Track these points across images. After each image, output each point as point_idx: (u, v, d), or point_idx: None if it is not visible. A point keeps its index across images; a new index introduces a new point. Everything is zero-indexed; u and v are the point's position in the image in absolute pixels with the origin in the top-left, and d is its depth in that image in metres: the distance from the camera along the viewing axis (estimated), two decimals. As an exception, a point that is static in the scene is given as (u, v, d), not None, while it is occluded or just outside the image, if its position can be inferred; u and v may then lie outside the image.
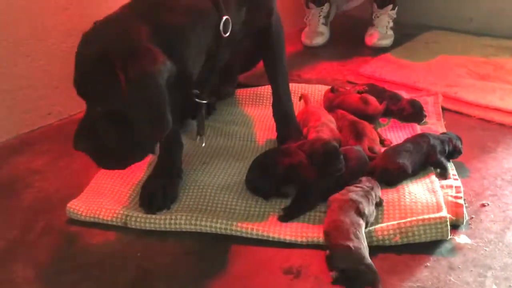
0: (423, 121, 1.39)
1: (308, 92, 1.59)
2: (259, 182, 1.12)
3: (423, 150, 1.16)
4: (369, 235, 0.97)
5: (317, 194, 1.08)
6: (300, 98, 1.50)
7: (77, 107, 1.63)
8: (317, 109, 1.38)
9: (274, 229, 1.01)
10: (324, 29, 2.22)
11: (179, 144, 1.19)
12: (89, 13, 1.59)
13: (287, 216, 1.05)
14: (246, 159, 1.26)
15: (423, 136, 1.20)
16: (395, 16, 2.16)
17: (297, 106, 1.43)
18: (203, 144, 1.21)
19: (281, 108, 1.31)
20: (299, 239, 0.99)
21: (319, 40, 2.19)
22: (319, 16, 2.21)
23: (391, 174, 1.12)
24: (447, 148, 1.18)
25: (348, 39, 2.22)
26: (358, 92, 1.47)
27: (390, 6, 2.12)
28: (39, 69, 1.52)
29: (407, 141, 1.20)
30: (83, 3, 1.57)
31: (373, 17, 2.15)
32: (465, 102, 1.55)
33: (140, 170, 1.21)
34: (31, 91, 1.52)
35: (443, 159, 1.17)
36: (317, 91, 1.61)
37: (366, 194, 1.01)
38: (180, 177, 1.16)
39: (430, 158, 1.17)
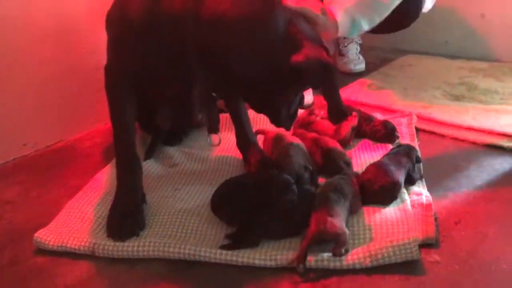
0: (396, 142, 1.40)
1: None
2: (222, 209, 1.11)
3: (402, 165, 1.17)
4: (339, 260, 0.95)
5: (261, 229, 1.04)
6: (256, 134, 1.43)
7: (54, 137, 1.64)
8: (280, 132, 1.36)
9: (243, 253, 0.99)
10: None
11: (140, 168, 1.17)
12: (65, 43, 1.61)
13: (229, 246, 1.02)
14: (219, 183, 1.25)
15: (395, 154, 1.22)
16: (360, 41, 2.20)
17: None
18: (219, 143, 1.15)
19: (247, 138, 1.32)
20: (268, 263, 0.97)
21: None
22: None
23: (387, 191, 1.11)
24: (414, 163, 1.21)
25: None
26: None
27: (357, 37, 2.17)
28: (13, 100, 1.52)
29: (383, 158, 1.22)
30: (59, 34, 1.59)
31: (340, 47, 2.19)
32: (439, 122, 1.56)
33: (108, 197, 1.19)
34: (6, 122, 1.51)
35: (417, 176, 1.21)
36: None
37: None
38: (144, 201, 1.15)
39: (409, 178, 1.18)
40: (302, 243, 0.98)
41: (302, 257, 0.95)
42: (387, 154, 1.24)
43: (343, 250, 0.96)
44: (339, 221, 0.99)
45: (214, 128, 1.12)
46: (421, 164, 1.27)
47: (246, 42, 0.92)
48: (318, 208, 1.02)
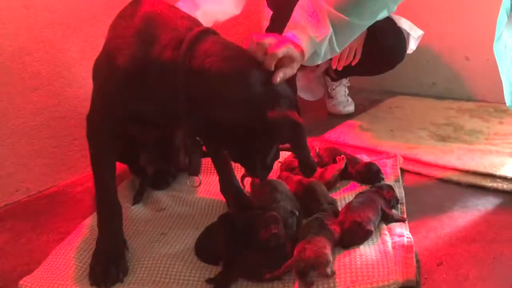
0: (380, 184, 1.42)
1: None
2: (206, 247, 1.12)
3: (372, 201, 1.21)
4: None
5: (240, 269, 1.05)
6: (243, 178, 1.45)
7: (46, 182, 1.67)
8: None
9: (225, 298, 1.00)
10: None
11: (120, 215, 1.18)
12: (58, 92, 1.67)
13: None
14: (205, 226, 1.26)
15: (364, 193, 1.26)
16: (349, 84, 2.26)
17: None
18: (199, 184, 1.18)
19: (231, 183, 1.34)
20: (250, 307, 0.98)
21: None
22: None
23: (356, 227, 1.13)
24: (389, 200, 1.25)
25: (315, 108, 2.29)
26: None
27: (345, 79, 2.23)
28: (7, 147, 1.56)
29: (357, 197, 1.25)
30: (53, 84, 1.65)
31: (329, 90, 2.24)
32: (425, 163, 1.58)
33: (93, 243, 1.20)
34: (-1, 169, 1.55)
35: (394, 213, 1.23)
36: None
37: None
38: (126, 248, 1.16)
39: (384, 215, 1.21)
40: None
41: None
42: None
43: (328, 270, 0.98)
44: (317, 246, 1.02)
45: (194, 171, 1.15)
46: (404, 205, 1.29)
47: (228, 95, 0.98)
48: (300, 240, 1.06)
